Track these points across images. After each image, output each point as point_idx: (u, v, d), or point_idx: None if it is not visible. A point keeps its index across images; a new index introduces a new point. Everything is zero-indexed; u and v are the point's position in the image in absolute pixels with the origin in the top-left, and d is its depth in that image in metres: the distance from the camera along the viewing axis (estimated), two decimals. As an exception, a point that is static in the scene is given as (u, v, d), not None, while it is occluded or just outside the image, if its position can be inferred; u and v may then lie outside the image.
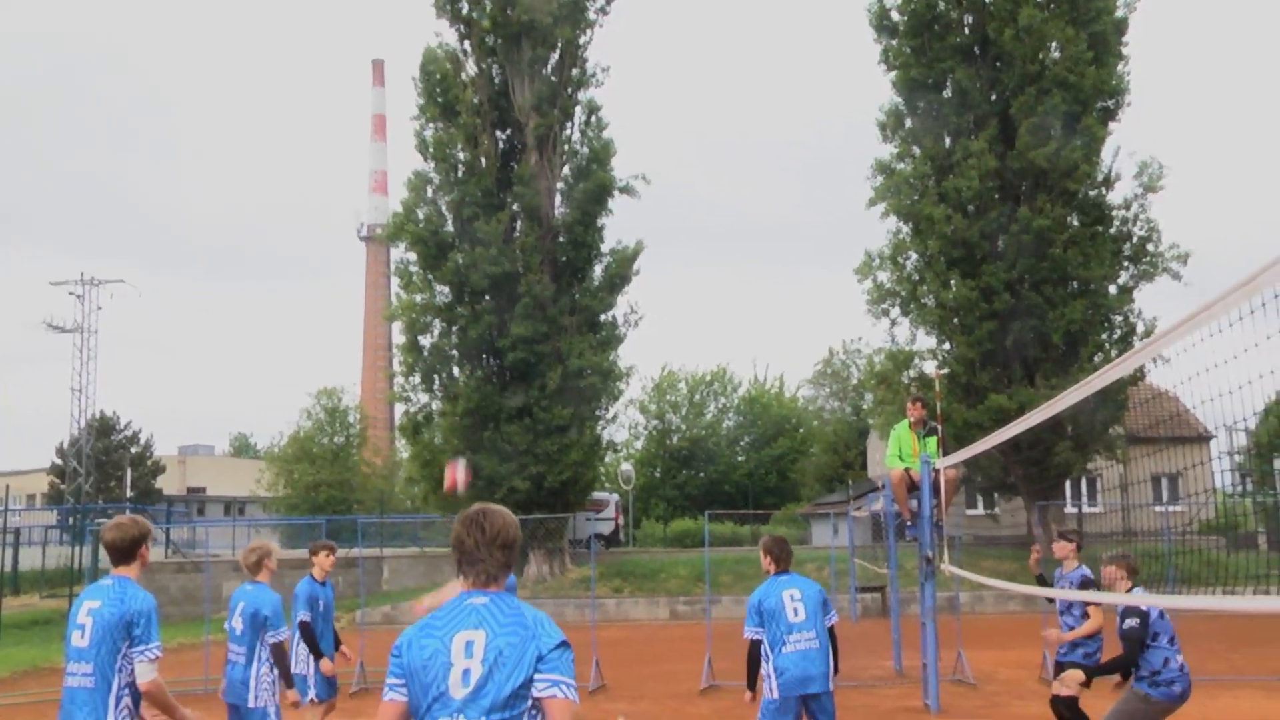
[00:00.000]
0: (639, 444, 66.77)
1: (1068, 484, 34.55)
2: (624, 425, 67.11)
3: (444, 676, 3.55)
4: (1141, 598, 7.64)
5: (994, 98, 31.69)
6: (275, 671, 8.22)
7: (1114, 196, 31.91)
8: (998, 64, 31.46)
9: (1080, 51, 30.26)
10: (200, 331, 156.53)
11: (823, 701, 7.70)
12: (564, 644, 3.62)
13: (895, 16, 32.55)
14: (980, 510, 40.96)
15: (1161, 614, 7.73)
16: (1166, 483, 41.19)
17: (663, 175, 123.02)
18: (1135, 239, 31.76)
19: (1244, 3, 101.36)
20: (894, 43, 32.55)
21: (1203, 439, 42.40)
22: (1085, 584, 9.63)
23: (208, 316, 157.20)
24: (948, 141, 32.03)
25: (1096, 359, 29.90)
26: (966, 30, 32.05)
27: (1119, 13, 31.57)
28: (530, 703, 3.52)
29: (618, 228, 73.85)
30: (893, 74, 32.53)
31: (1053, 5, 31.17)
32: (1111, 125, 31.64)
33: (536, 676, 3.52)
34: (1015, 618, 25.12)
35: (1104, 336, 31.51)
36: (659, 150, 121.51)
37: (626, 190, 33.32)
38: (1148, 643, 7.61)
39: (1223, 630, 19.54)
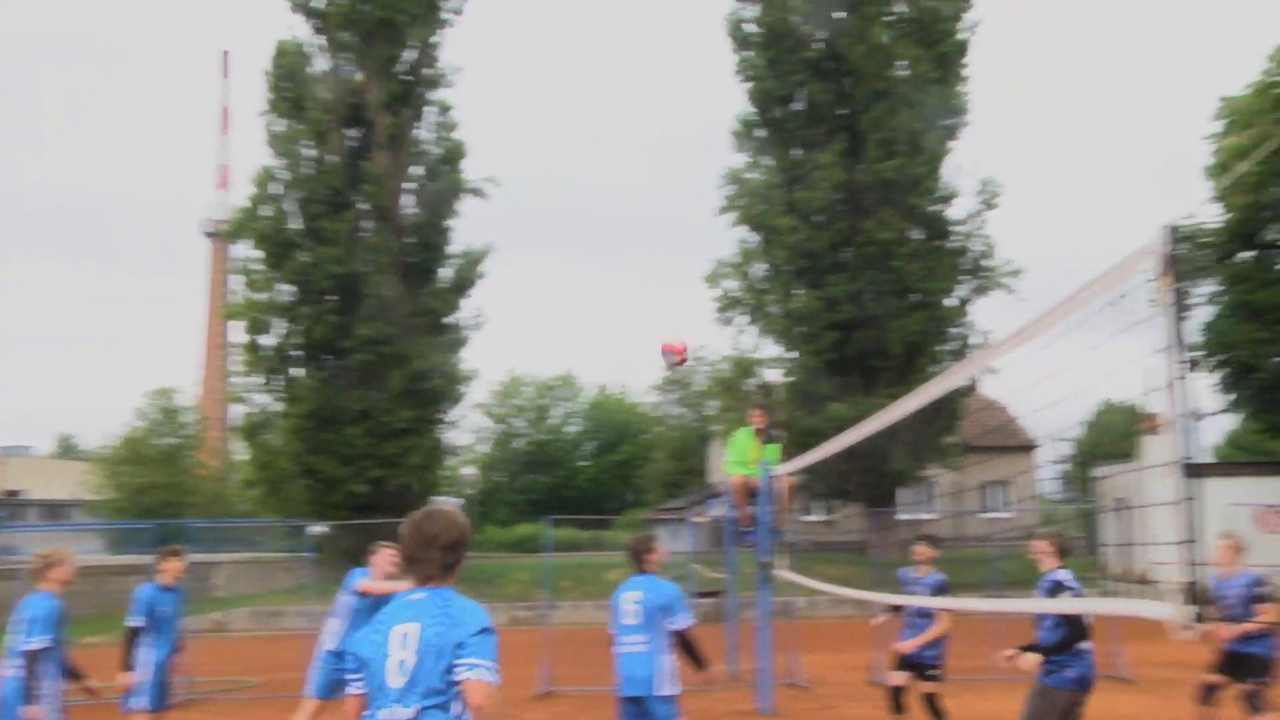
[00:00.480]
0: (483, 448, 66.25)
1: (903, 491, 35.44)
2: (468, 429, 66.55)
3: (384, 668, 3.88)
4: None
5: (844, 112, 32.33)
6: (53, 681, 7.65)
7: (954, 212, 32.91)
8: (847, 79, 32.12)
9: (926, 71, 31.14)
10: (31, 325, 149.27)
11: (647, 705, 7.70)
12: (485, 630, 3.89)
13: (750, 29, 32.97)
14: (818, 516, 41.76)
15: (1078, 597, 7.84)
16: (995, 490, 42.68)
17: (524, 176, 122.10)
18: (973, 254, 32.78)
19: (1068, 31, 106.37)
20: (749, 55, 32.96)
21: (1029, 448, 44.07)
22: (941, 589, 9.79)
23: (40, 309, 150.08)
24: (798, 153, 32.57)
25: (933, 370, 30.73)
26: (819, 46, 32.61)
27: (961, 35, 32.57)
28: (457, 687, 3.82)
29: (469, 229, 73.44)
30: (747, 85, 32.93)
31: (901, 25, 32.00)
32: (953, 143, 32.62)
33: (456, 662, 3.80)
34: (849, 622, 25.61)
35: (941, 348, 32.41)
36: (522, 152, 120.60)
37: (476, 192, 33.01)
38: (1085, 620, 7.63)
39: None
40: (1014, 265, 32.80)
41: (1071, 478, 50.44)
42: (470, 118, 77.14)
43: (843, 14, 32.05)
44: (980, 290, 32.81)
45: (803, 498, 37.75)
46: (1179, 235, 31.02)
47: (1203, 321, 32.13)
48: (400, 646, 3.85)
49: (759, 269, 33.41)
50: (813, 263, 31.48)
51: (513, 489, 63.74)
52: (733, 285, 33.68)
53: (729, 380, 34.57)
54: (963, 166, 35.41)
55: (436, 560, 3.98)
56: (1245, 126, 29.93)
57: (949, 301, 32.47)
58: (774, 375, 33.84)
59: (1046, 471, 48.15)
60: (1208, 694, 9.74)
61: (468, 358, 33.77)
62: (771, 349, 33.84)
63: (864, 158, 31.21)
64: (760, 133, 33.30)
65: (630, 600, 7.89)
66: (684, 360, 9.25)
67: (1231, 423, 46.61)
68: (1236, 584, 9.58)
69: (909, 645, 9.82)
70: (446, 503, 42.71)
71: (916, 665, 9.81)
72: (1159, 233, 3.74)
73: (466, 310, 33.03)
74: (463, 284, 32.81)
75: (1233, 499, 22.40)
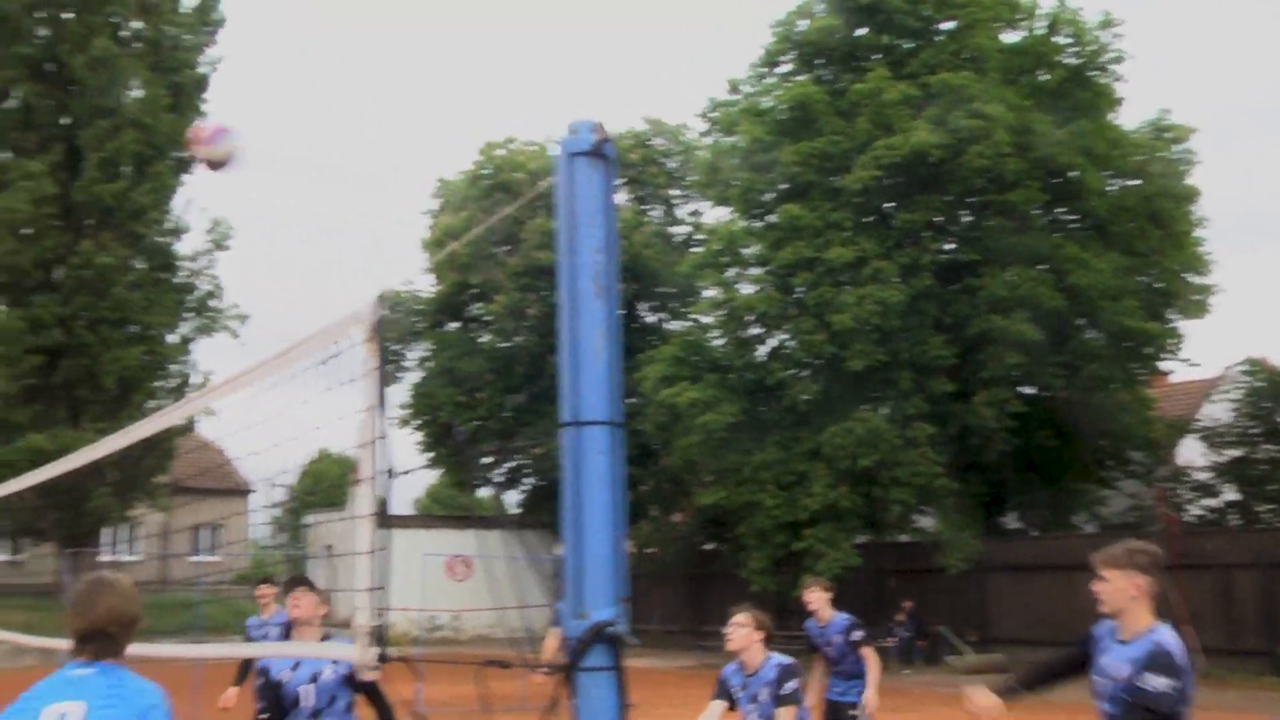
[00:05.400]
0: None
1: (105, 531, 33.60)
2: None
3: None
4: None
5: (64, 122, 30.15)
6: None
7: (183, 247, 32.10)
8: (70, 88, 30.04)
9: (159, 96, 30.09)
10: None
11: None
12: (156, 707, 3.55)
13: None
14: (4, 556, 38.17)
15: None
16: (207, 533, 42.04)
17: None
18: (200, 292, 32.20)
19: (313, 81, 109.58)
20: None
21: (244, 492, 44.08)
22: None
23: None
24: (5, 156, 29.66)
25: (150, 405, 29.61)
26: (40, 44, 30.07)
27: (202, 69, 32.00)
28: None
29: None
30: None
31: (135, 44, 30.65)
32: (185, 176, 31.80)
33: None
34: (31, 672, 23.59)
35: (160, 384, 31.38)
36: None
37: None
38: None
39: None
40: (241, 309, 32.79)
41: (285, 523, 51.26)
42: None
43: (71, 15, 29.93)
44: (204, 330, 32.30)
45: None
46: (392, 302, 33.39)
47: (411, 383, 34.72)
48: None
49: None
50: (17, 279, 28.83)
51: None
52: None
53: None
54: (194, 201, 34.80)
55: (113, 635, 3.61)
56: (458, 209, 33.09)
57: (171, 338, 31.55)
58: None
59: (260, 516, 48.44)
60: None
61: None
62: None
63: (82, 175, 29.30)
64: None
65: None
66: (215, 159, 6.30)
67: (430, 478, 50.54)
68: None
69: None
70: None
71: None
72: (370, 300, 4.04)
73: None
74: None
75: (426, 549, 24.27)
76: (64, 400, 29.63)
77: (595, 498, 3.04)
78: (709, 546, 30.75)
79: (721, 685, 6.75)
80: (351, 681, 6.46)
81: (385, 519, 3.67)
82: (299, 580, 8.89)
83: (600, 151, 3.33)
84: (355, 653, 3.55)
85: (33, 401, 28.99)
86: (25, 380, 28.55)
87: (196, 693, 15.20)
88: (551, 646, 10.90)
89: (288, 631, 8.34)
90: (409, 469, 34.92)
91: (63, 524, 29.73)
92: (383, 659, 3.47)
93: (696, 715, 6.69)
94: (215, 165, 6.45)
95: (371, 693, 6.55)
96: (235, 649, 7.77)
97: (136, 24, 30.80)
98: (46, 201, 28.65)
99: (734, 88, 27.81)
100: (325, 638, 6.68)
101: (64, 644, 9.48)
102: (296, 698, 6.56)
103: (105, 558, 32.63)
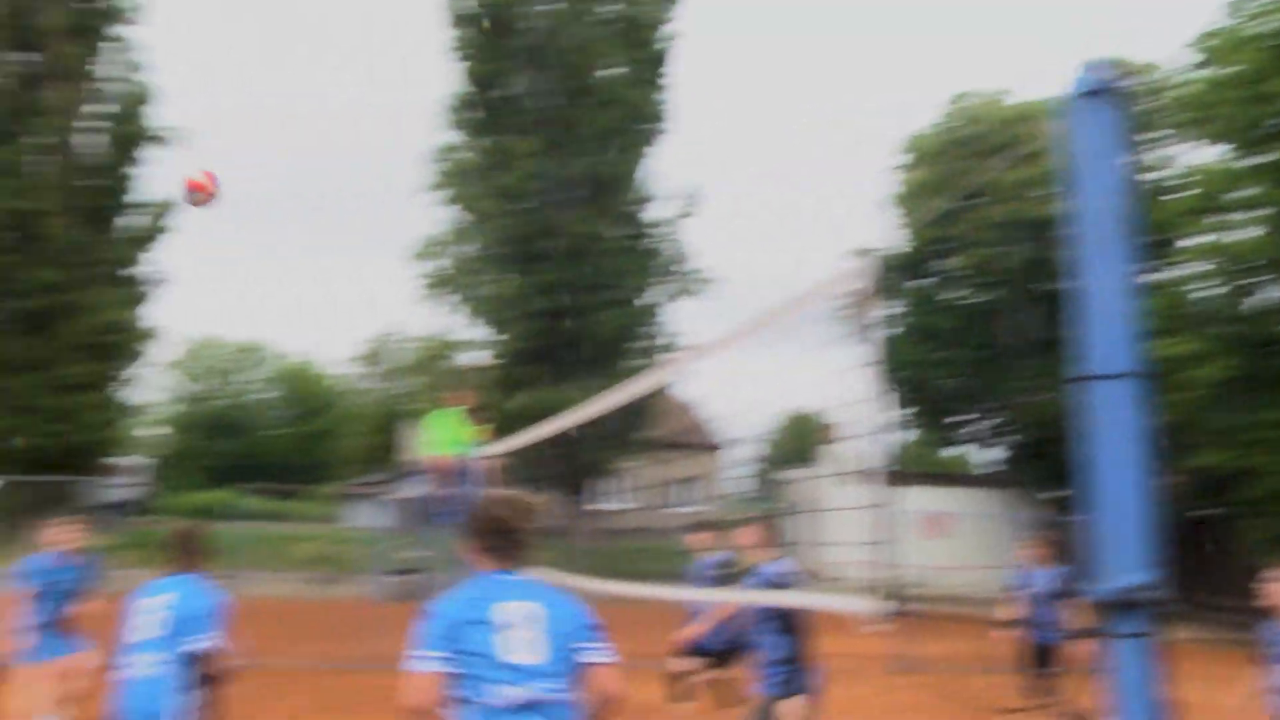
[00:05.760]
0: (167, 409, 63.24)
1: (598, 482, 36.09)
2: (154, 388, 63.59)
3: (492, 645, 3.74)
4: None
5: (555, 103, 32.42)
6: None
7: (656, 214, 33.60)
8: (557, 70, 32.23)
9: (632, 73, 31.69)
10: None
11: None
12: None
13: (470, 6, 32.42)
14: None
15: None
16: (684, 486, 44.18)
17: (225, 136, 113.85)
18: (673, 257, 33.62)
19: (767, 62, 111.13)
20: (470, 33, 32.44)
21: (717, 447, 45.87)
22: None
23: None
24: (507, 138, 32.38)
25: (632, 365, 31.32)
26: (536, 33, 32.47)
27: (665, 44, 33.05)
28: (577, 671, 3.83)
29: (165, 181, 68.36)
30: (465, 64, 32.45)
31: (612, 24, 32.41)
32: (656, 147, 33.15)
33: (583, 645, 3.84)
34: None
35: (639, 345, 33.10)
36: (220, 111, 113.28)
37: (157, 139, 31.11)
38: None
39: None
40: (709, 273, 33.93)
41: (760, 477, 52.98)
42: (169, 65, 72.24)
43: (562, 4, 32.24)
44: (680, 293, 33.68)
45: (507, 482, 37.73)
46: (879, 262, 33.18)
47: (883, 341, 34.44)
48: (516, 625, 3.77)
49: (469, 249, 33.18)
50: (519, 249, 31.43)
51: (205, 453, 61.12)
52: (442, 264, 33.37)
53: (432, 359, 34.25)
54: (665, 171, 36.18)
55: (528, 543, 4.00)
56: (930, 163, 32.37)
57: (646, 301, 33.19)
58: (479, 357, 33.75)
59: (734, 471, 50.32)
60: None
61: (148, 313, 31.86)
62: (477, 331, 33.73)
63: (568, 150, 31.48)
64: (473, 114, 32.84)
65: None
66: (210, 196, 7.75)
67: (906, 436, 50.22)
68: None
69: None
70: (133, 463, 39.86)
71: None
72: (869, 259, 4.07)
73: (148, 264, 31.32)
74: (144, 236, 31.03)
75: (903, 506, 24.15)
76: (561, 359, 32.03)
77: (1116, 455, 2.89)
78: (1196, 514, 28.35)
79: (1262, 645, 6.49)
80: (769, 612, 6.86)
81: (876, 476, 3.70)
82: (712, 522, 10.42)
83: (1114, 90, 3.14)
84: (862, 604, 3.62)
85: (535, 360, 31.63)
86: (529, 341, 31.27)
87: (663, 631, 16.16)
88: (1006, 612, 10.62)
89: (715, 574, 9.08)
90: (890, 426, 34.83)
91: (561, 474, 32.20)
92: (896, 613, 3.51)
93: (1190, 691, 6.29)
94: (208, 201, 7.87)
95: (788, 620, 6.82)
96: (699, 593, 8.25)
97: (613, 6, 32.60)
98: (540, 177, 31.13)
99: (1231, 11, 25.12)
100: (757, 568, 7.10)
101: (581, 581, 10.30)
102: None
103: (596, 506, 35.05)
